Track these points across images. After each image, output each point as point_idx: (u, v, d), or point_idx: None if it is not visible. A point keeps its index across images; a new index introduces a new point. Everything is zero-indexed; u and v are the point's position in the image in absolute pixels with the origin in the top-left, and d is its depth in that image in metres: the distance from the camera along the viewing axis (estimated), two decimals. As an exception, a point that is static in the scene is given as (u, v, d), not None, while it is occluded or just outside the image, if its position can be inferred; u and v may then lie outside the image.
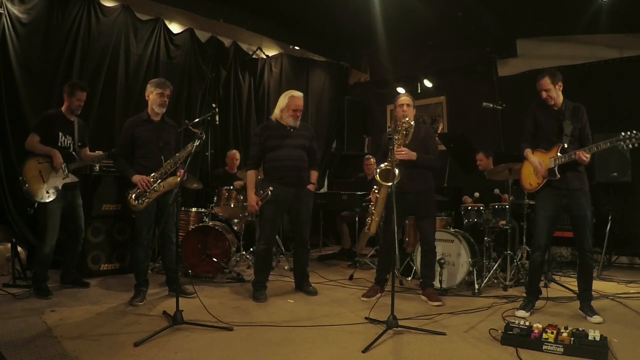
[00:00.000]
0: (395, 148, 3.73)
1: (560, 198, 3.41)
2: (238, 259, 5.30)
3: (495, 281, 4.47)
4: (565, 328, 2.77)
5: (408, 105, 3.96)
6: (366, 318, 3.33)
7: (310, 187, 4.14)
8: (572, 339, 2.65)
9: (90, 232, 4.60)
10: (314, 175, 4.18)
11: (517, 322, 2.88)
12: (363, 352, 2.68)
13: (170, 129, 3.98)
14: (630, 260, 5.63)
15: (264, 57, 7.21)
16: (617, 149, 4.98)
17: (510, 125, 6.23)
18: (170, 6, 5.79)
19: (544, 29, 6.19)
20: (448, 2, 5.84)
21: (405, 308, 3.62)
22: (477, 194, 5.14)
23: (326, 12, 6.29)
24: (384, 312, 3.16)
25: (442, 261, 4.16)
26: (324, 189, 7.88)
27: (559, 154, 3.35)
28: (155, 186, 3.70)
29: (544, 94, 3.43)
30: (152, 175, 3.70)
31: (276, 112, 4.07)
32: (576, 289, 3.56)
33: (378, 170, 3.78)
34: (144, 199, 3.67)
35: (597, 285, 4.14)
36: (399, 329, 3.02)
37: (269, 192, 3.91)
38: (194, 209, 5.21)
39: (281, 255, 5.63)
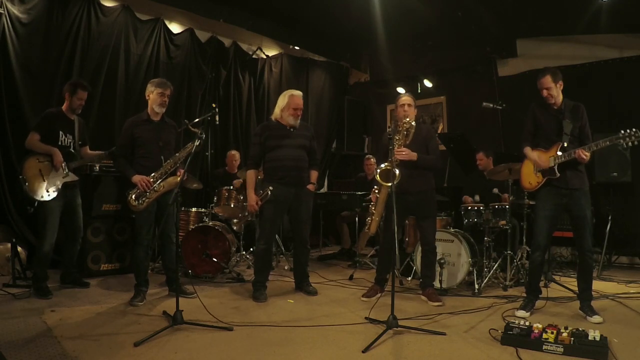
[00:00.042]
0: (395, 148, 3.73)
1: (560, 197, 3.41)
2: (238, 259, 5.30)
3: (495, 281, 4.47)
4: (565, 328, 2.77)
5: (409, 105, 3.95)
6: (366, 318, 3.33)
7: (310, 187, 4.14)
8: (572, 339, 2.65)
9: (90, 232, 4.60)
10: (314, 175, 4.18)
11: (517, 322, 2.88)
12: (363, 352, 2.68)
13: (170, 129, 3.98)
14: (630, 260, 5.63)
15: (264, 57, 7.22)
16: (617, 149, 5.02)
17: (510, 125, 6.24)
18: (170, 6, 5.79)
19: (544, 29, 6.19)
20: (448, 2, 5.84)
21: (405, 308, 3.62)
22: (477, 197, 5.14)
23: (326, 12, 6.29)
24: (384, 312, 3.16)
25: (442, 261, 4.16)
26: (324, 189, 7.88)
27: (558, 152, 3.35)
28: (155, 186, 3.70)
29: (545, 93, 3.43)
30: (152, 175, 3.70)
31: (276, 112, 4.07)
32: (576, 289, 3.56)
33: (378, 171, 3.78)
34: (144, 199, 3.67)
35: (597, 285, 4.14)
36: (399, 329, 3.02)
37: (269, 192, 3.91)
38: (194, 209, 5.21)
39: (281, 255, 5.63)
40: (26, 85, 4.78)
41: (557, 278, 4.59)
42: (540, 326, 2.80)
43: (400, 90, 7.39)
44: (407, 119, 3.87)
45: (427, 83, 7.29)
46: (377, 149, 7.00)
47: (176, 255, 3.43)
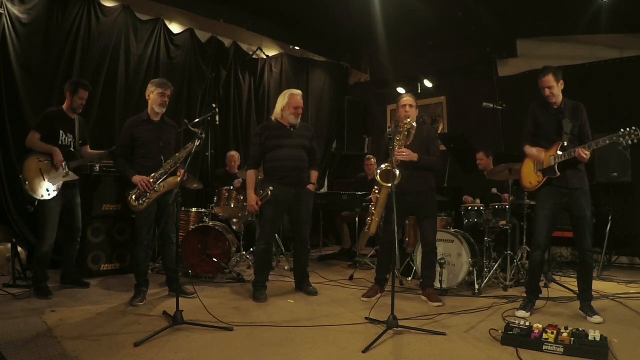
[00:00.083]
0: (396, 149, 3.73)
1: (560, 197, 3.42)
2: (238, 259, 5.30)
3: (495, 281, 4.47)
4: (565, 328, 2.77)
5: (410, 105, 3.95)
6: (366, 318, 3.33)
7: (310, 187, 4.14)
8: (572, 339, 2.65)
9: (90, 232, 4.60)
10: (314, 175, 4.18)
11: (517, 322, 2.88)
12: (363, 352, 2.68)
13: (170, 128, 3.98)
14: (630, 260, 5.63)
15: (264, 57, 7.22)
16: (617, 149, 5.03)
17: (510, 125, 6.24)
18: (170, 6, 5.79)
19: (544, 29, 6.19)
20: (448, 2, 5.84)
21: (405, 308, 3.62)
22: (477, 201, 5.15)
23: (326, 12, 6.29)
24: (384, 312, 3.16)
25: (442, 261, 4.16)
26: (324, 189, 7.89)
27: (558, 152, 3.36)
28: (156, 186, 3.70)
29: (547, 91, 3.42)
30: (152, 175, 3.70)
31: (276, 111, 4.07)
32: (576, 289, 3.56)
33: (378, 171, 3.78)
34: (144, 199, 3.67)
35: (597, 285, 4.14)
36: (399, 329, 3.02)
37: (269, 192, 3.91)
38: (194, 209, 5.21)
39: (281, 255, 5.63)
40: (26, 85, 4.78)
41: (557, 278, 4.59)
42: (540, 326, 2.80)
43: (401, 90, 7.40)
44: (408, 120, 3.87)
45: (427, 83, 7.29)
46: (377, 149, 7.00)
47: (176, 255, 3.43)
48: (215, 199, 5.18)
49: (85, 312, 3.40)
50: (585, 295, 3.41)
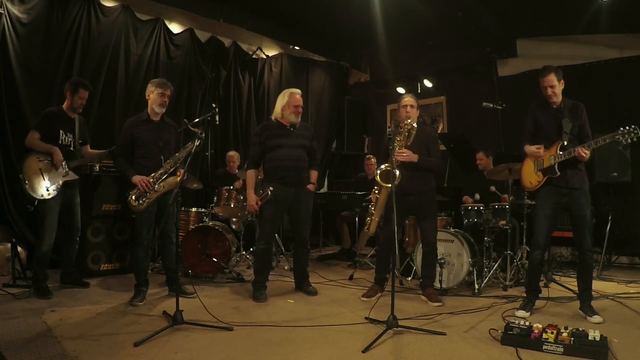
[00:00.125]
0: (396, 149, 3.73)
1: (560, 196, 3.42)
2: (238, 259, 5.30)
3: (495, 281, 4.47)
4: (565, 328, 2.77)
5: (411, 106, 3.95)
6: (366, 318, 3.33)
7: (310, 187, 4.14)
8: (572, 339, 2.65)
9: (90, 232, 4.60)
10: (314, 175, 4.18)
11: (517, 322, 2.88)
12: (363, 352, 2.68)
13: (170, 128, 3.98)
14: (630, 260, 5.63)
15: (264, 57, 7.21)
16: (617, 149, 5.03)
17: (510, 125, 6.24)
18: (170, 6, 5.79)
19: (544, 29, 6.19)
20: (448, 2, 5.84)
21: (405, 308, 3.62)
22: (477, 196, 5.15)
23: (326, 12, 6.29)
24: (384, 312, 3.16)
25: (442, 261, 4.16)
26: (324, 189, 7.88)
27: (558, 151, 3.36)
28: (156, 186, 3.70)
29: (549, 91, 3.42)
30: (152, 175, 3.70)
31: (277, 111, 4.06)
32: (576, 289, 3.56)
33: (378, 172, 3.78)
34: (144, 199, 3.67)
35: (597, 285, 4.14)
36: (399, 329, 3.02)
37: (269, 192, 3.91)
38: (194, 209, 5.21)
39: (281, 255, 5.63)
40: (26, 85, 4.78)
41: (557, 278, 4.59)
42: (540, 326, 2.80)
43: (401, 90, 7.40)
44: (409, 120, 3.86)
45: (427, 83, 7.29)
46: (377, 149, 7.00)
47: (176, 255, 3.43)
48: (215, 199, 5.18)
49: (85, 312, 3.40)
50: (585, 295, 3.41)
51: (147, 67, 5.75)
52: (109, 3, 5.49)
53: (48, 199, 3.79)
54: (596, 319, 3.25)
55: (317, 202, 5.94)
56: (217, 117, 3.79)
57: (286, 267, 5.31)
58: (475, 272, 4.25)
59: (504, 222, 4.47)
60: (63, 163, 3.87)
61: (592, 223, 3.53)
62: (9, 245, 4.19)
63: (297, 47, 7.52)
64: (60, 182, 3.86)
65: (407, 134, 3.85)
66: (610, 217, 5.16)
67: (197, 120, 3.81)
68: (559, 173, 3.36)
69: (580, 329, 2.74)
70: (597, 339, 2.62)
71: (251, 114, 7.03)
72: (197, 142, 3.42)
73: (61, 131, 3.93)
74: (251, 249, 5.42)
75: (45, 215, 3.81)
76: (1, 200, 4.66)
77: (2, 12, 4.58)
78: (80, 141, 4.10)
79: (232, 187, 5.25)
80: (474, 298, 4.00)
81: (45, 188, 3.78)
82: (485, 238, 4.46)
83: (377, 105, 8.27)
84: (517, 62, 6.56)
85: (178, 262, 3.39)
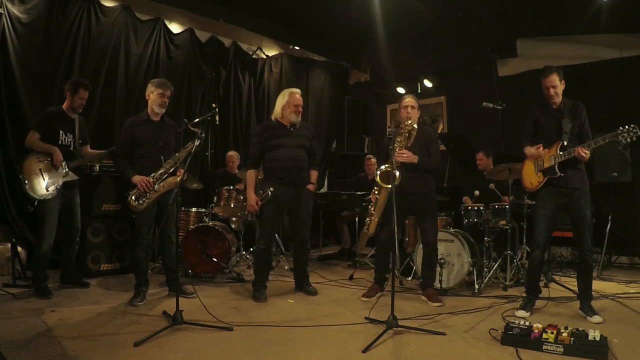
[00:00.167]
0: (397, 150, 3.73)
1: (560, 197, 3.42)
2: (238, 259, 5.30)
3: (495, 281, 4.47)
4: (565, 328, 2.77)
5: (412, 107, 3.95)
6: (366, 318, 3.33)
7: (310, 187, 4.14)
8: (572, 339, 2.65)
9: (90, 232, 4.60)
10: (314, 175, 4.18)
11: (517, 322, 2.88)
12: (363, 352, 2.68)
13: (170, 128, 3.98)
14: (630, 260, 5.63)
15: (264, 57, 7.22)
16: (617, 149, 5.03)
17: (510, 125, 6.24)
18: (170, 6, 5.79)
19: (544, 29, 6.19)
20: (448, 2, 5.84)
21: (405, 308, 3.62)
22: (477, 192, 5.14)
23: (326, 12, 6.29)
24: (384, 312, 3.16)
25: (442, 261, 4.16)
26: (324, 189, 7.88)
27: (558, 151, 3.36)
28: (156, 186, 3.70)
29: (552, 91, 3.42)
30: (152, 175, 3.70)
31: (277, 111, 4.06)
32: (576, 289, 3.56)
33: (378, 172, 3.78)
34: (144, 199, 3.67)
35: (597, 285, 4.14)
36: (399, 329, 3.02)
37: (269, 193, 3.91)
38: (194, 209, 5.21)
39: (281, 255, 5.63)
40: (26, 85, 4.78)
41: (557, 278, 4.59)
42: (540, 326, 2.80)
43: (401, 90, 7.41)
44: (410, 121, 3.86)
45: (427, 83, 7.29)
46: (377, 149, 7.00)
47: (176, 255, 3.44)
48: (215, 199, 5.18)
49: (85, 312, 3.40)
50: (585, 295, 3.41)
51: (147, 67, 5.75)
52: (109, 3, 5.49)
53: (48, 199, 3.79)
54: (596, 319, 3.25)
55: (317, 202, 5.94)
56: (217, 117, 3.79)
57: (286, 267, 5.31)
58: (475, 272, 4.25)
59: (504, 222, 4.47)
60: (63, 163, 3.87)
61: (592, 223, 3.53)
62: (9, 245, 4.19)
63: (297, 47, 7.51)
64: (60, 183, 3.86)
65: (407, 134, 3.85)
66: (610, 217, 5.16)
67: (197, 120, 3.81)
68: (559, 173, 3.36)
69: (580, 329, 2.74)
70: (597, 339, 2.62)
71: (251, 114, 7.03)
72: (197, 142, 3.42)
73: (61, 131, 3.93)
74: (251, 249, 5.42)
75: (45, 216, 3.81)
76: (1, 200, 4.66)
77: (2, 12, 4.58)
78: (80, 141, 4.10)
79: (232, 187, 5.25)
80: (474, 298, 4.00)
81: (45, 188, 3.78)
82: (485, 238, 4.46)
83: (377, 105, 8.27)
84: (517, 62, 6.56)
85: (178, 262, 3.40)
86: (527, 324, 2.84)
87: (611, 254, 5.55)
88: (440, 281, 4.16)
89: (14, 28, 4.69)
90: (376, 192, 3.92)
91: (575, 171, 3.39)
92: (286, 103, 4.00)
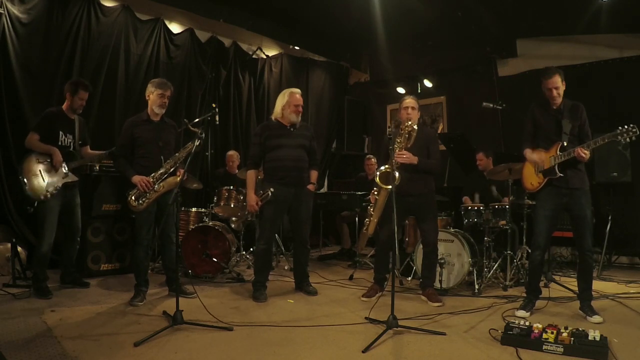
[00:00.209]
0: (397, 151, 3.73)
1: (560, 197, 3.42)
2: (238, 259, 5.30)
3: (495, 281, 4.47)
4: (565, 328, 2.77)
5: (413, 108, 3.95)
6: (366, 318, 3.33)
7: (310, 187, 4.14)
8: (572, 339, 2.65)
9: (90, 232, 4.60)
10: (314, 175, 4.18)
11: (517, 322, 2.88)
12: (363, 352, 2.68)
13: (170, 129, 3.98)
14: (630, 260, 5.63)
15: (264, 57, 7.22)
16: (617, 149, 5.03)
17: (510, 125, 6.24)
18: (170, 6, 5.79)
19: (544, 29, 6.19)
20: (448, 2, 5.84)
21: (405, 308, 3.62)
22: (477, 197, 5.14)
23: (326, 12, 6.29)
24: (384, 312, 3.16)
25: (442, 261, 4.16)
26: (324, 189, 7.88)
27: (558, 152, 3.36)
28: (156, 187, 3.70)
29: (554, 92, 3.42)
30: (152, 175, 3.70)
31: (277, 111, 4.06)
32: (576, 289, 3.56)
33: (378, 173, 3.78)
34: (144, 199, 3.67)
35: (597, 285, 4.14)
36: (399, 329, 3.02)
37: (270, 193, 3.91)
38: (194, 209, 5.21)
39: (281, 255, 5.63)
40: (26, 85, 4.78)
41: (557, 278, 4.59)
42: (540, 326, 2.80)
43: (401, 90, 7.41)
44: (410, 122, 3.85)
45: (427, 83, 7.29)
46: (377, 149, 7.00)
47: (176, 255, 3.43)
48: (215, 199, 5.18)
49: (85, 312, 3.40)
50: (585, 295, 3.41)
51: (147, 67, 5.75)
52: (109, 3, 5.49)
53: (48, 200, 3.79)
54: (596, 319, 3.25)
55: (317, 202, 5.94)
56: (217, 117, 3.79)
57: (286, 267, 5.31)
58: (475, 272, 4.25)
59: (504, 222, 4.47)
60: (63, 164, 3.86)
61: (592, 223, 3.53)
62: (9, 245, 4.19)
63: (297, 47, 7.52)
64: (60, 184, 3.86)
65: (407, 135, 3.85)
66: (610, 217, 5.16)
67: (197, 120, 3.80)
68: (560, 174, 3.36)
69: (580, 329, 2.74)
70: (597, 339, 2.62)
71: (251, 114, 7.03)
72: (197, 142, 3.41)
73: (61, 132, 3.92)
74: (251, 249, 5.42)
75: (45, 216, 3.81)
76: (1, 200, 4.66)
77: (2, 12, 4.58)
78: (80, 142, 4.09)
79: (232, 187, 5.24)
80: (474, 298, 4.00)
81: (44, 189, 3.78)
82: (485, 238, 4.46)
83: (377, 105, 8.27)
84: (517, 62, 6.56)
85: (178, 262, 3.40)
86: (527, 324, 2.84)
87: (611, 254, 5.55)
88: (440, 281, 4.16)
89: (14, 28, 4.69)
90: (375, 192, 3.92)
91: (575, 171, 3.39)
92: (286, 103, 4.00)
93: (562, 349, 2.62)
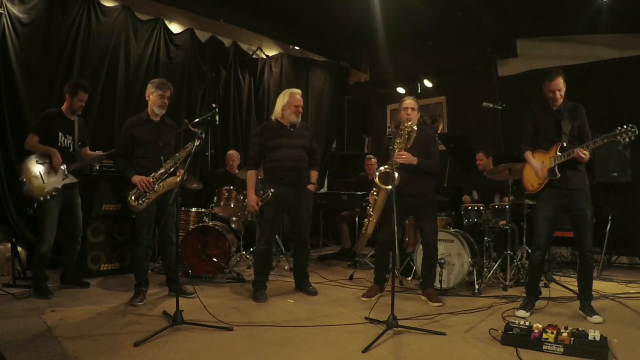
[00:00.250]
0: (396, 152, 3.73)
1: (560, 198, 3.42)
2: (238, 259, 5.30)
3: (495, 281, 4.47)
4: (565, 328, 2.77)
5: (412, 109, 3.95)
6: (366, 318, 3.33)
7: (311, 187, 4.14)
8: (572, 339, 2.65)
9: (90, 232, 4.60)
10: (314, 175, 4.18)
11: (517, 322, 2.88)
12: (363, 352, 2.68)
13: (170, 129, 3.98)
14: (630, 260, 5.63)
15: (264, 57, 7.22)
16: (617, 149, 5.03)
17: (510, 125, 6.24)
18: (170, 6, 5.80)
19: (544, 29, 6.19)
20: (448, 2, 5.84)
21: (405, 308, 3.62)
22: (475, 194, 5.14)
23: (326, 12, 6.29)
24: (384, 312, 3.16)
25: (442, 261, 4.16)
26: (324, 189, 7.88)
27: (558, 153, 3.36)
28: (155, 187, 3.70)
29: (557, 94, 3.42)
30: (151, 175, 3.70)
31: (277, 111, 4.06)
32: (576, 289, 3.56)
33: (377, 173, 3.79)
34: (143, 199, 3.67)
35: (597, 285, 4.14)
36: (399, 329, 3.02)
37: (270, 194, 3.91)
38: (194, 209, 5.21)
39: (281, 255, 5.63)
40: (26, 85, 4.78)
41: (557, 278, 4.59)
42: (540, 326, 2.80)
43: (401, 90, 7.41)
44: (409, 123, 3.86)
45: (427, 83, 7.29)
46: (377, 149, 7.00)
47: (176, 255, 3.43)
48: (215, 199, 5.18)
49: (85, 312, 3.40)
50: (585, 295, 3.41)
51: (147, 67, 5.75)
52: (109, 3, 5.49)
53: (47, 201, 3.79)
54: (596, 319, 3.25)
55: (317, 202, 5.94)
56: (217, 117, 3.80)
57: (286, 267, 5.31)
58: (475, 272, 4.25)
59: (504, 222, 4.47)
60: (62, 166, 3.86)
61: (593, 223, 3.53)
62: (9, 245, 4.19)
63: (297, 47, 7.52)
64: (60, 185, 3.86)
65: (407, 136, 3.85)
66: (610, 217, 5.16)
67: (197, 120, 3.80)
68: (559, 175, 3.36)
69: (580, 329, 2.75)
70: (597, 339, 2.62)
71: (251, 114, 7.03)
72: (197, 142, 3.41)
73: (60, 133, 3.92)
74: (251, 249, 5.42)
75: (45, 217, 3.81)
76: (1, 201, 4.66)
77: (2, 12, 4.58)
78: (79, 143, 4.09)
79: (232, 187, 5.24)
80: (474, 298, 4.00)
81: (45, 191, 3.77)
82: (485, 238, 4.46)
83: (377, 105, 8.27)
84: (517, 62, 6.56)
85: (178, 262, 3.40)
86: (527, 324, 2.84)
87: (611, 254, 5.55)
88: (440, 281, 4.16)
89: (14, 28, 4.69)
90: (375, 192, 3.92)
91: (575, 172, 3.39)
92: (287, 103, 4.00)
93: (562, 349, 2.62)
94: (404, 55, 7.34)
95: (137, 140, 3.78)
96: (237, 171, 5.86)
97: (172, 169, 3.78)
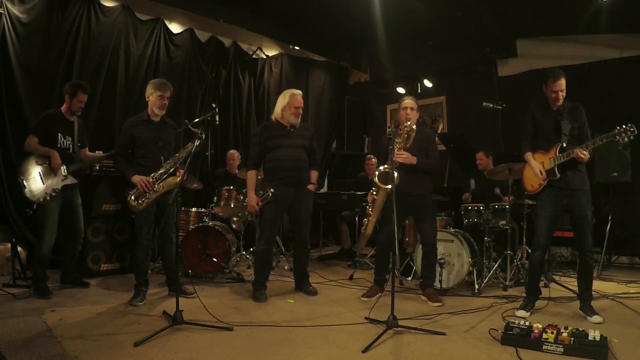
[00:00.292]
0: (396, 151, 3.73)
1: (561, 198, 3.42)
2: (238, 259, 5.30)
3: (495, 281, 4.47)
4: (565, 328, 2.77)
5: (412, 108, 3.95)
6: (366, 318, 3.33)
7: (311, 187, 4.14)
8: (572, 339, 2.65)
9: (90, 232, 4.60)
10: (314, 175, 4.19)
11: (517, 322, 2.88)
12: (363, 352, 2.68)
13: (170, 129, 3.98)
14: (630, 260, 5.63)
15: (264, 57, 7.22)
16: (617, 149, 5.03)
17: (510, 125, 6.24)
18: (170, 6, 5.80)
19: (544, 29, 6.19)
20: (448, 2, 5.84)
21: (405, 308, 3.62)
22: (472, 182, 5.14)
23: (326, 12, 6.30)
24: (384, 312, 3.16)
25: (442, 261, 4.16)
26: (324, 189, 7.89)
27: (558, 153, 3.36)
28: (155, 187, 3.70)
29: (560, 95, 3.42)
30: (151, 175, 3.70)
31: (277, 111, 4.06)
32: (576, 289, 3.56)
33: (377, 173, 3.79)
34: (143, 199, 3.67)
35: (597, 285, 4.13)
36: (399, 329, 3.02)
37: (270, 194, 3.91)
38: (194, 209, 5.21)
39: (281, 255, 5.63)
40: (26, 85, 4.78)
41: (557, 278, 4.59)
42: (540, 326, 2.80)
43: (401, 90, 7.41)
44: (409, 123, 3.86)
45: (427, 83, 7.29)
46: (377, 149, 7.00)
47: (176, 255, 3.43)
48: (215, 199, 5.18)
49: (85, 312, 3.40)
50: (585, 295, 3.41)
51: (147, 67, 5.75)
52: (109, 3, 5.49)
53: (47, 202, 3.79)
54: (596, 319, 3.25)
55: (317, 202, 5.94)
56: (217, 117, 3.79)
57: (286, 267, 5.31)
58: (475, 272, 4.25)
59: (504, 222, 4.47)
60: (62, 167, 3.86)
61: (593, 223, 3.53)
62: (9, 245, 4.19)
63: (297, 47, 7.52)
64: (59, 186, 3.85)
65: (406, 136, 3.85)
66: (610, 217, 5.16)
67: (197, 120, 3.80)
68: (559, 175, 3.36)
69: (580, 329, 2.75)
70: (597, 339, 2.62)
71: (251, 114, 7.03)
72: (197, 142, 3.41)
73: (60, 134, 3.92)
74: (251, 249, 5.42)
75: (44, 218, 3.80)
76: (1, 201, 4.66)
77: (2, 12, 4.58)
78: (79, 144, 4.09)
79: (232, 187, 5.25)
80: (474, 298, 4.00)
81: (44, 192, 3.77)
82: (485, 238, 4.46)
83: (377, 105, 8.27)
84: (517, 62, 6.56)
85: (178, 262, 3.39)
86: (527, 324, 2.84)
87: (611, 254, 5.55)
88: (440, 281, 4.16)
89: (14, 28, 4.69)
90: (374, 192, 3.92)
91: (575, 172, 3.39)
92: (287, 104, 4.00)
93: (562, 349, 2.63)
94: (404, 55, 7.34)
95: (137, 140, 3.78)
96: (237, 171, 5.86)
97: (172, 169, 3.78)
